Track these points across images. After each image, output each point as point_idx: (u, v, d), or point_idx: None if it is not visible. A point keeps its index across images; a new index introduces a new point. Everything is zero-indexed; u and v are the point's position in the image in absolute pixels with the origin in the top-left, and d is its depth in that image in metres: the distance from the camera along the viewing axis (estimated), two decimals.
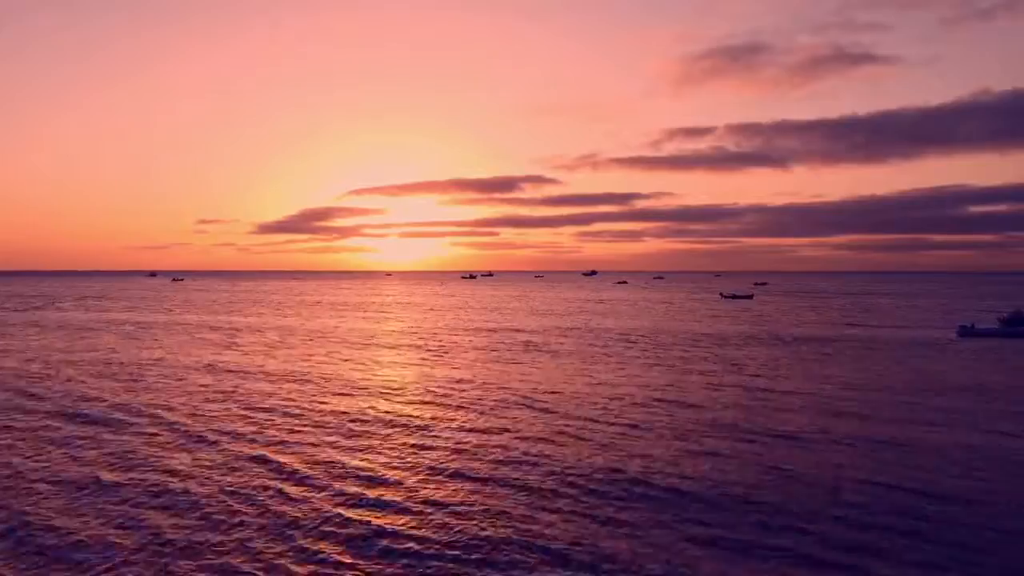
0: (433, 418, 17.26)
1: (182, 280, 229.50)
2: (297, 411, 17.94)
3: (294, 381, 22.74)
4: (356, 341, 35.69)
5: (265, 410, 18.01)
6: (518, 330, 41.98)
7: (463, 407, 18.58)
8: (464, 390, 21.18)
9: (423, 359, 28.60)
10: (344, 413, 17.83)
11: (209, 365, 26.52)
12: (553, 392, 20.70)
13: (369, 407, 18.57)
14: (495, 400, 19.48)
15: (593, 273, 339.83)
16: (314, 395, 20.33)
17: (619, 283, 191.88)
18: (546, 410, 18.16)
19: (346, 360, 28.14)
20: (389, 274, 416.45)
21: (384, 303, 78.01)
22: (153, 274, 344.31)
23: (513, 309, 65.21)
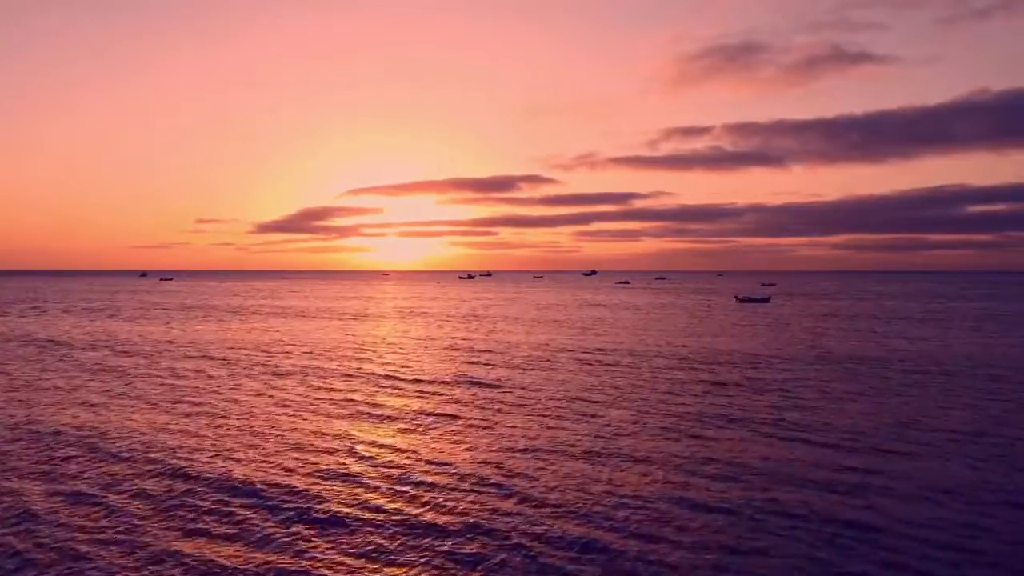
0: None
1: (171, 280, 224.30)
2: None
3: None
4: (265, 369, 26.98)
5: None
6: (504, 347, 33.26)
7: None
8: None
9: (334, 412, 19.88)
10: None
11: None
12: (529, 501, 11.95)
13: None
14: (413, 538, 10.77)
15: (593, 273, 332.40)
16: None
17: (621, 283, 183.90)
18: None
19: (200, 412, 19.44)
20: (386, 274, 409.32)
21: (359, 308, 69.35)
22: (144, 274, 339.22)
23: (504, 317, 56.53)
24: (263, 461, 13.48)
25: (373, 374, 25.10)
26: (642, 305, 75.13)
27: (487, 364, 27.64)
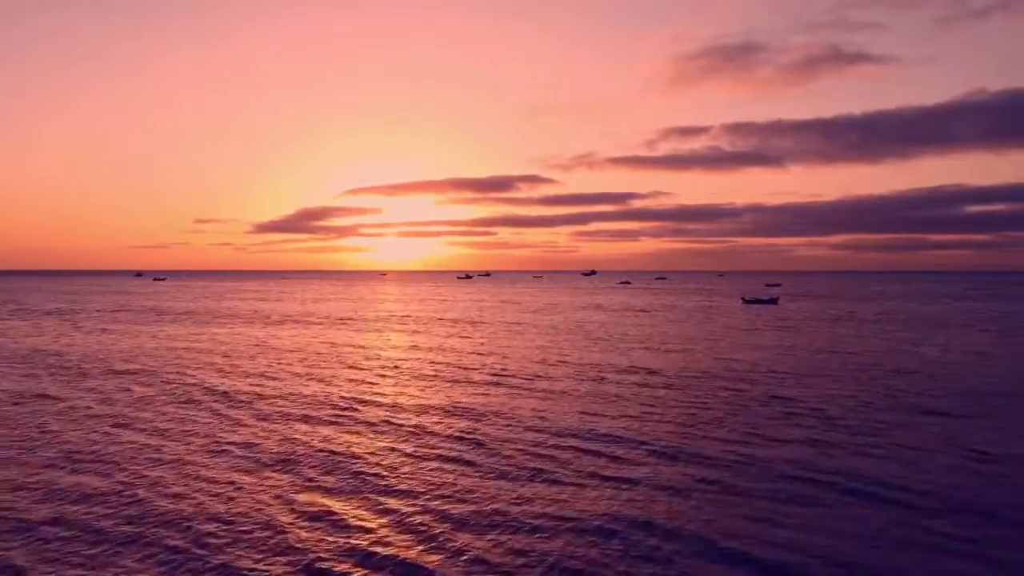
0: None
1: (163, 280, 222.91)
2: None
3: None
4: (208, 392, 23.40)
5: None
6: (493, 359, 29.67)
7: None
8: None
9: (272, 456, 16.29)
10: None
11: None
12: None
13: None
14: None
15: (592, 273, 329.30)
16: None
17: (622, 283, 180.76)
18: None
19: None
20: (384, 274, 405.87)
21: (347, 311, 65.75)
22: (139, 274, 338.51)
23: (499, 322, 53.01)
24: (150, 544, 9.86)
25: (334, 397, 21.50)
26: (644, 307, 71.57)
27: (470, 383, 24.05)
